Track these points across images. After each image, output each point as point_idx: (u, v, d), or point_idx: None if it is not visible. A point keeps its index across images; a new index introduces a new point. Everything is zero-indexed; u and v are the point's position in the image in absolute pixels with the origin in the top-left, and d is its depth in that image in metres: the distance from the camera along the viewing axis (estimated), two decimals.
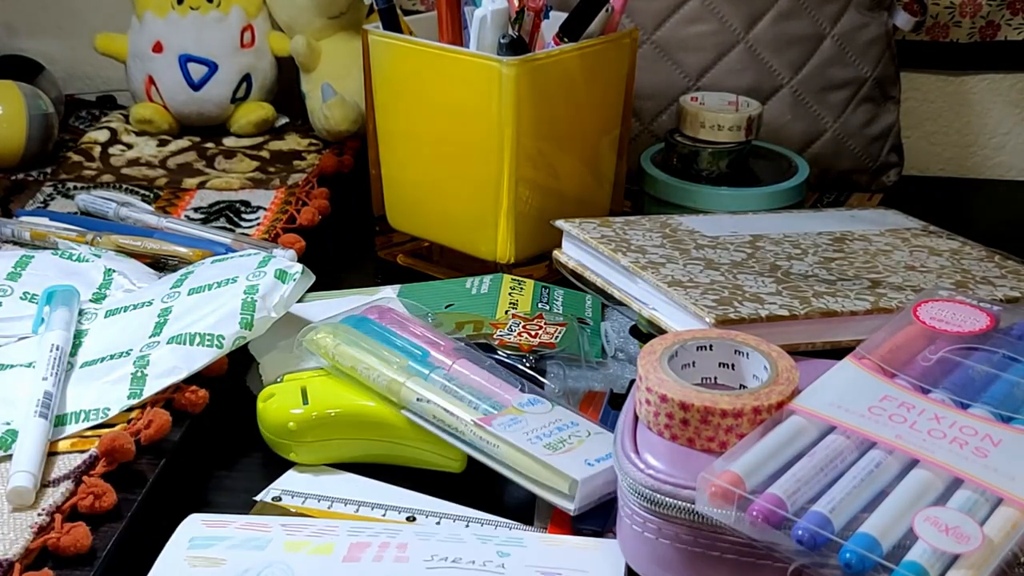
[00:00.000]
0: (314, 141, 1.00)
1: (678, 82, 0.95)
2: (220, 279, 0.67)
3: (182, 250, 0.77)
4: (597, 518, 0.53)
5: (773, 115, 0.94)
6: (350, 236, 0.88)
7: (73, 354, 0.64)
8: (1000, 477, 0.43)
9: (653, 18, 0.94)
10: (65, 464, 0.55)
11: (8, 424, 0.58)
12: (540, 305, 0.72)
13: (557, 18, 0.79)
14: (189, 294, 0.67)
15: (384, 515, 0.55)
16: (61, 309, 0.67)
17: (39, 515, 0.51)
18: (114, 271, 0.74)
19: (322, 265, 0.75)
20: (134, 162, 0.96)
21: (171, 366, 0.61)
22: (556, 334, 0.67)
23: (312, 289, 0.69)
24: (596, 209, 0.83)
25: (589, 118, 0.80)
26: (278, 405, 0.60)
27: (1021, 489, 0.42)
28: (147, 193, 0.90)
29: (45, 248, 0.79)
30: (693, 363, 0.52)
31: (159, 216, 0.84)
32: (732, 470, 0.43)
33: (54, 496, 0.53)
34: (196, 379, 0.61)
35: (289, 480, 0.58)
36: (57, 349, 0.63)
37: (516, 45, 0.75)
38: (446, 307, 0.71)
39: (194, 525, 0.52)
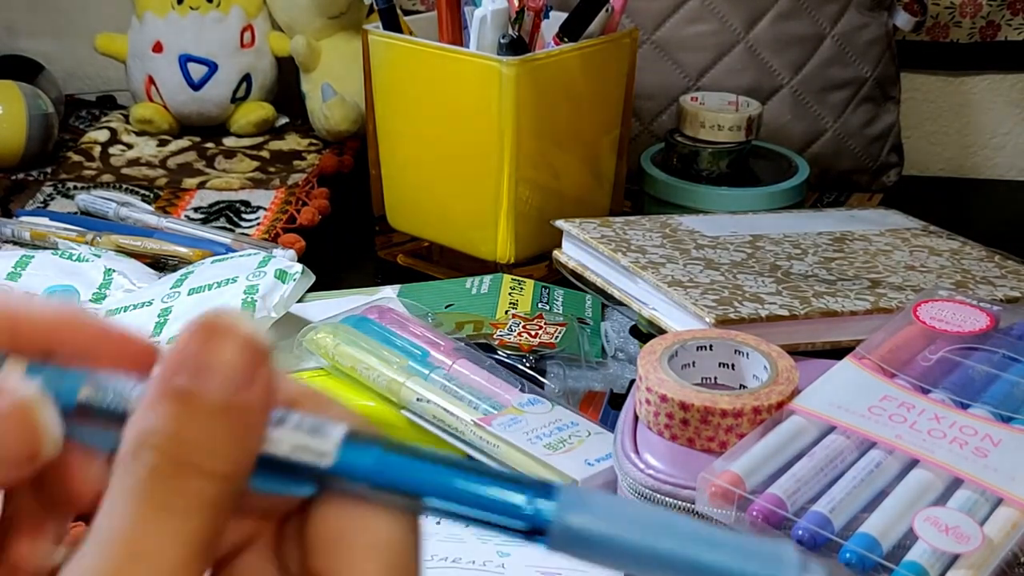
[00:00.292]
0: (314, 141, 1.00)
1: (678, 82, 0.95)
2: (220, 279, 0.67)
3: (182, 250, 0.77)
4: None
5: (773, 115, 0.94)
6: (350, 236, 0.88)
7: None
8: (1000, 477, 0.43)
9: (653, 18, 0.94)
10: None
11: None
12: (540, 305, 0.72)
13: (557, 18, 0.79)
14: (189, 294, 0.67)
15: None
16: None
17: None
18: (114, 271, 0.74)
19: (322, 265, 0.75)
20: (134, 162, 0.96)
21: None
22: (556, 334, 0.67)
23: (312, 289, 0.69)
24: (596, 209, 0.83)
25: (589, 118, 0.80)
26: None
27: (1021, 489, 0.42)
28: (147, 193, 0.90)
29: (45, 248, 0.79)
30: (693, 363, 0.52)
31: (159, 216, 0.84)
32: (732, 470, 0.43)
33: None
34: None
35: None
36: None
37: (516, 45, 0.75)
38: (446, 307, 0.71)
39: None
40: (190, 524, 0.21)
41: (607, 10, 0.78)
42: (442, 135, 0.78)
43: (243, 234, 0.82)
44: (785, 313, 0.58)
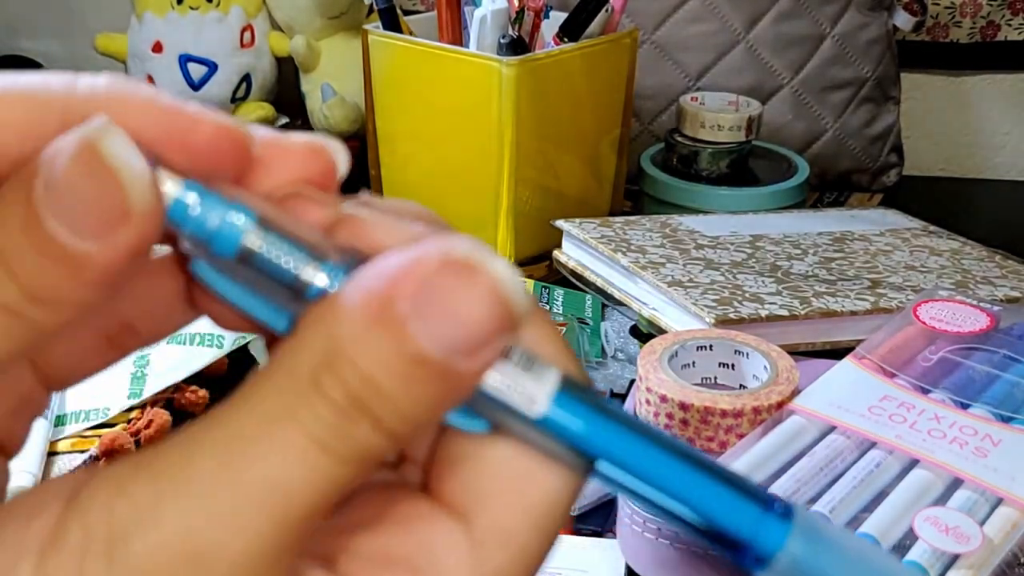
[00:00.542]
0: None
1: (678, 82, 0.95)
2: None
3: None
4: (597, 518, 0.53)
5: (773, 115, 0.94)
6: None
7: None
8: (1000, 477, 0.43)
9: (653, 18, 0.94)
10: (65, 464, 0.55)
11: None
12: (540, 305, 0.72)
13: (557, 18, 0.79)
14: None
15: None
16: None
17: None
18: None
19: None
20: None
21: (171, 366, 0.61)
22: None
23: None
24: (596, 209, 0.83)
25: (589, 118, 0.80)
26: None
27: (1021, 489, 0.42)
28: None
29: None
30: (693, 363, 0.52)
31: None
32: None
33: None
34: (196, 379, 0.61)
35: None
36: None
37: (516, 45, 0.75)
38: None
39: None
40: (336, 470, 0.17)
41: (607, 10, 0.78)
42: (442, 135, 0.78)
43: None
44: (785, 313, 0.58)
